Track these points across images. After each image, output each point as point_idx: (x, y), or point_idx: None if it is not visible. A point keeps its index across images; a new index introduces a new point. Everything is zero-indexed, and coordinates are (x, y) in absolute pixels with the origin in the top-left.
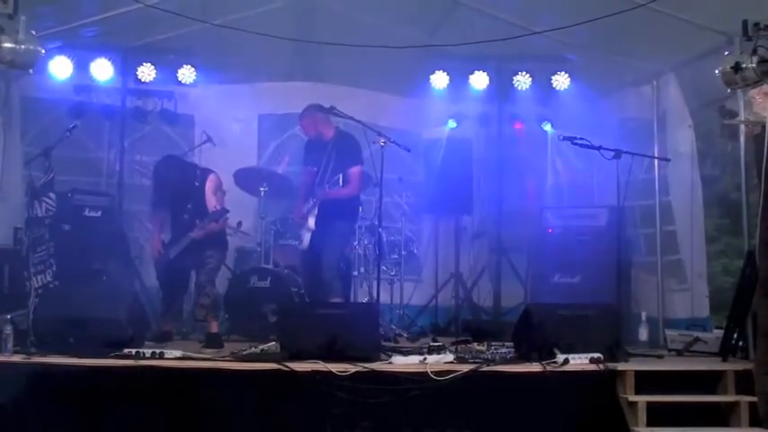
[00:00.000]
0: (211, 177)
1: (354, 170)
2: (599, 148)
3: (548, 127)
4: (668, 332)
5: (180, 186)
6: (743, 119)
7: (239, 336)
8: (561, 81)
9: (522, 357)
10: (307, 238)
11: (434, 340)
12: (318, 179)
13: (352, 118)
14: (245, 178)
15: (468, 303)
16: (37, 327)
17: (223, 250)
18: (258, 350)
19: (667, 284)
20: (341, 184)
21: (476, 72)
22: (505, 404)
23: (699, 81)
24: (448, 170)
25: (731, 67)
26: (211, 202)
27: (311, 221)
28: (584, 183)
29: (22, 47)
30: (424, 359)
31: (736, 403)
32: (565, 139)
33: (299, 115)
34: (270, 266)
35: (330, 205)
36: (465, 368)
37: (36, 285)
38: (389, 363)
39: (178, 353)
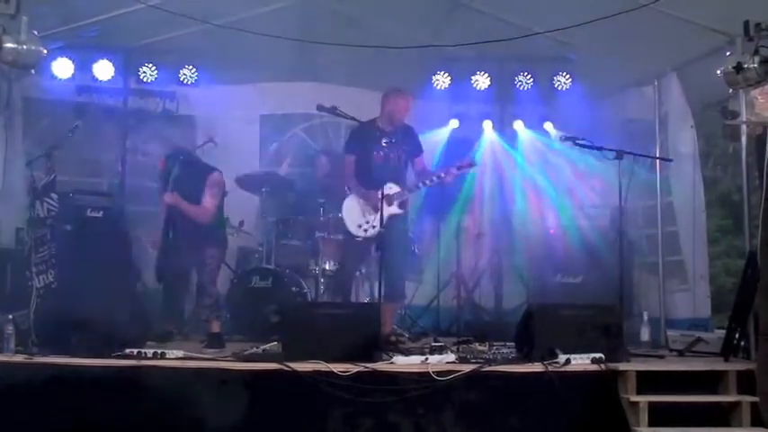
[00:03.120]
0: (215, 174)
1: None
2: (601, 148)
3: (549, 127)
4: (670, 332)
5: (185, 181)
6: (745, 119)
7: (241, 336)
8: (563, 82)
9: (524, 357)
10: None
11: (436, 340)
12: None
13: (353, 118)
14: (247, 180)
15: (469, 304)
16: (39, 327)
17: (223, 250)
18: (260, 350)
19: (669, 285)
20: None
21: (477, 73)
22: (507, 404)
23: (701, 82)
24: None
25: (733, 68)
26: (206, 198)
27: (395, 207)
28: (585, 183)
29: (24, 47)
30: (426, 359)
31: (737, 403)
32: (567, 139)
33: (388, 93)
34: (271, 266)
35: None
36: (467, 368)
37: (38, 285)
38: (391, 363)
39: (180, 353)
